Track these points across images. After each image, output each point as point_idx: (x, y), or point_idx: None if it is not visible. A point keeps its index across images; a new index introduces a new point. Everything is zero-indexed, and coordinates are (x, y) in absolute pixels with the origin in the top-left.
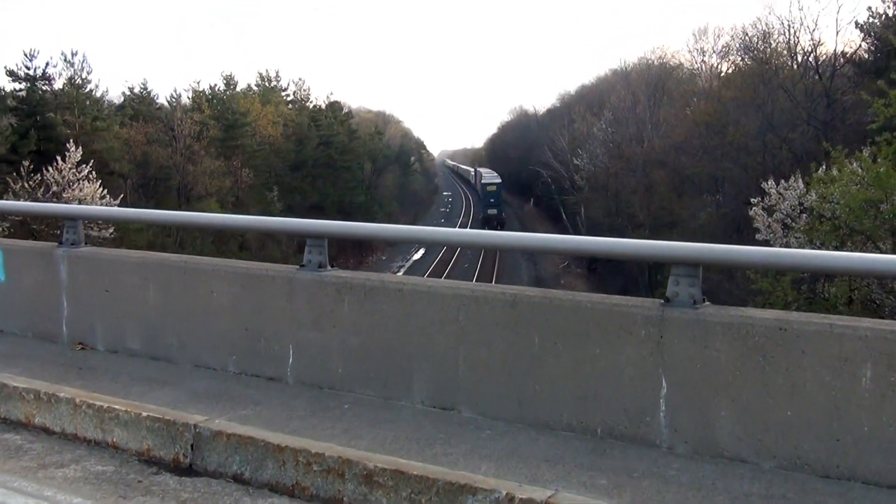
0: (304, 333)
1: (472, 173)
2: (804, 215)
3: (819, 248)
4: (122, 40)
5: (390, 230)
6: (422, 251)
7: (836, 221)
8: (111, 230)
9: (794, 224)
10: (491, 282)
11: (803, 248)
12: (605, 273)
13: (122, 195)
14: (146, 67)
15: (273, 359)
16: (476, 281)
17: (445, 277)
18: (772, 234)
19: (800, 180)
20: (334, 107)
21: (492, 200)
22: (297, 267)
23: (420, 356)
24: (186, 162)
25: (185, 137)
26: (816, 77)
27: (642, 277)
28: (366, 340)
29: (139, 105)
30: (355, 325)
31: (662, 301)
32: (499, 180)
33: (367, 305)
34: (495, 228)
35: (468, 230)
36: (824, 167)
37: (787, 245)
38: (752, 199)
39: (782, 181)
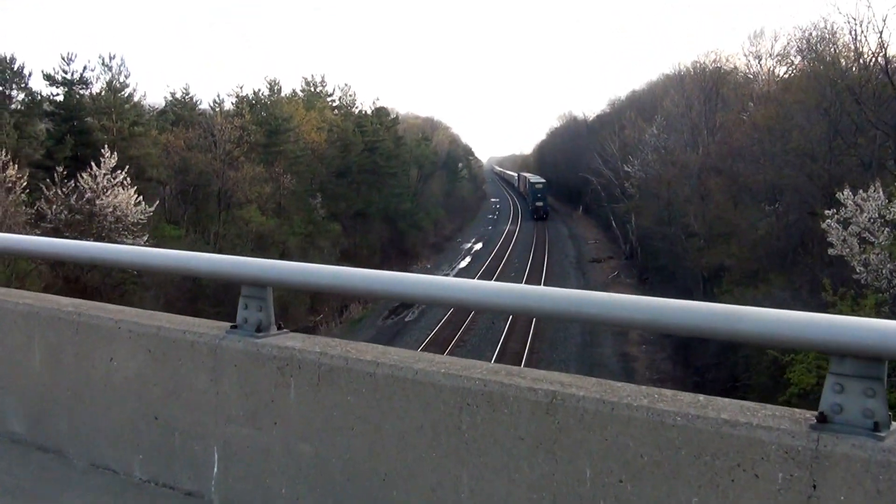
0: (235, 430)
1: (517, 178)
2: (886, 229)
3: None
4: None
5: (364, 278)
6: (468, 258)
7: None
8: (145, 237)
9: (873, 239)
10: None
11: (883, 265)
12: (655, 283)
13: (157, 202)
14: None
15: (192, 464)
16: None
17: None
18: (847, 249)
19: (880, 190)
20: (380, 112)
21: (539, 195)
22: (228, 328)
23: (399, 480)
24: (227, 168)
25: (225, 143)
26: (885, 79)
27: (697, 289)
28: (321, 448)
29: (181, 110)
30: (306, 423)
31: None
32: (544, 181)
33: (323, 395)
34: (542, 218)
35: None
36: None
37: (866, 262)
38: (822, 210)
39: (860, 191)
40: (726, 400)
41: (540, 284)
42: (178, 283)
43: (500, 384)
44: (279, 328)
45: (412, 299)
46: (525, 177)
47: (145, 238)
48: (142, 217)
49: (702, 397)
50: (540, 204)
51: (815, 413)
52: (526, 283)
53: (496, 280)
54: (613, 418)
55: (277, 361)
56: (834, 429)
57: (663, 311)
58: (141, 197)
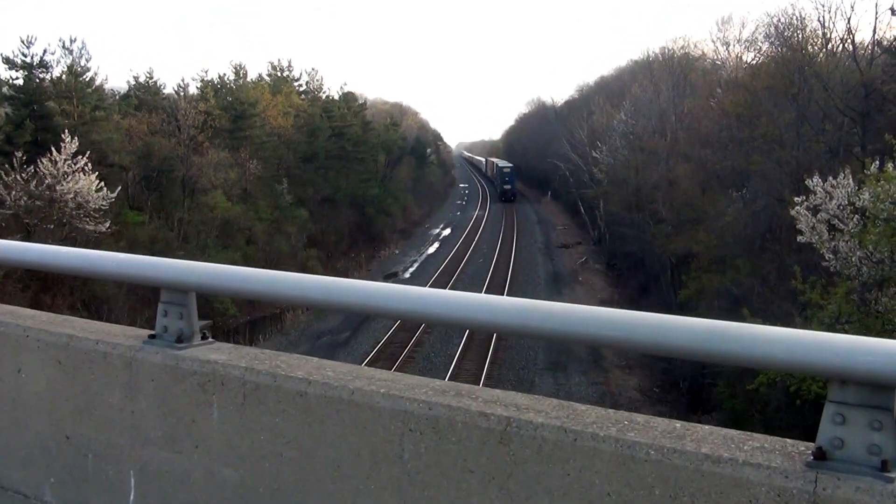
0: (153, 454)
1: (484, 163)
2: (856, 216)
3: (872, 253)
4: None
5: (301, 285)
6: (436, 244)
7: (894, 224)
8: (107, 224)
9: (842, 226)
10: (505, 281)
11: (853, 253)
12: (623, 269)
13: (119, 187)
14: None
15: (107, 489)
16: (490, 279)
17: (457, 276)
18: (816, 237)
19: (850, 177)
20: (348, 98)
21: (506, 179)
22: (147, 336)
23: None
24: (191, 153)
25: (189, 128)
26: (853, 66)
27: (664, 275)
28: (246, 476)
29: (144, 94)
30: (230, 447)
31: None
32: (511, 165)
33: (249, 416)
34: (510, 200)
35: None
36: (877, 163)
37: (835, 249)
38: (791, 197)
39: (829, 178)
40: (707, 428)
41: (508, 270)
42: None
43: (447, 407)
44: (204, 338)
45: (355, 310)
46: (493, 161)
47: (107, 224)
48: (103, 203)
49: (679, 425)
50: (508, 187)
51: (812, 447)
52: (494, 269)
53: (463, 268)
54: (576, 450)
55: (199, 377)
56: (835, 467)
57: (628, 327)
58: (103, 183)
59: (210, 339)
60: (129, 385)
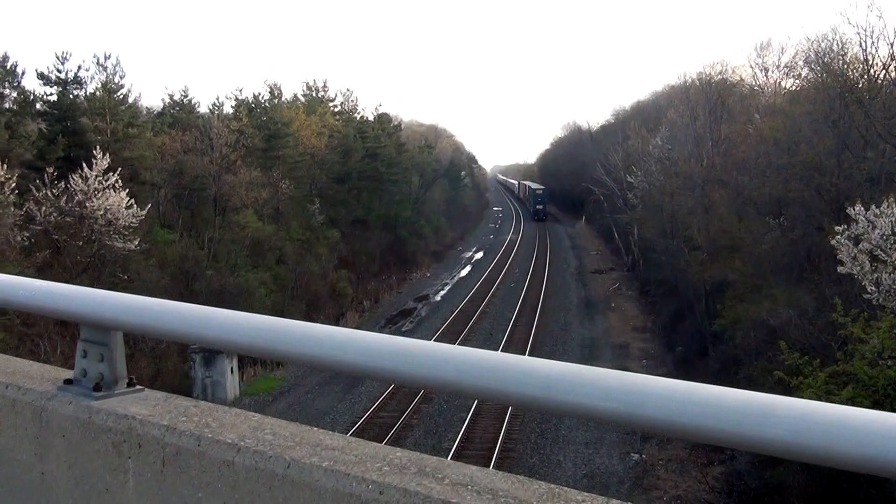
0: None
1: (517, 185)
2: None
3: None
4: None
5: (244, 326)
6: (468, 267)
7: None
8: (137, 241)
9: (885, 257)
10: (537, 307)
11: None
12: (657, 296)
13: (150, 205)
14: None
15: None
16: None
17: (488, 300)
18: (858, 268)
19: (894, 206)
20: (382, 118)
21: (539, 199)
22: (63, 383)
23: None
24: (223, 172)
25: (222, 146)
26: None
27: (699, 303)
28: None
29: (178, 112)
30: None
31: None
32: (544, 187)
33: (169, 486)
34: (542, 220)
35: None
36: None
37: (878, 281)
38: (830, 225)
39: (872, 206)
40: None
41: (540, 295)
42: None
43: (401, 492)
44: (130, 384)
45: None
46: (525, 184)
47: (136, 242)
48: (133, 220)
49: None
50: (540, 207)
51: None
52: (525, 293)
53: (494, 291)
54: None
55: (114, 435)
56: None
57: (632, 395)
58: (133, 200)
59: (138, 387)
60: (38, 440)
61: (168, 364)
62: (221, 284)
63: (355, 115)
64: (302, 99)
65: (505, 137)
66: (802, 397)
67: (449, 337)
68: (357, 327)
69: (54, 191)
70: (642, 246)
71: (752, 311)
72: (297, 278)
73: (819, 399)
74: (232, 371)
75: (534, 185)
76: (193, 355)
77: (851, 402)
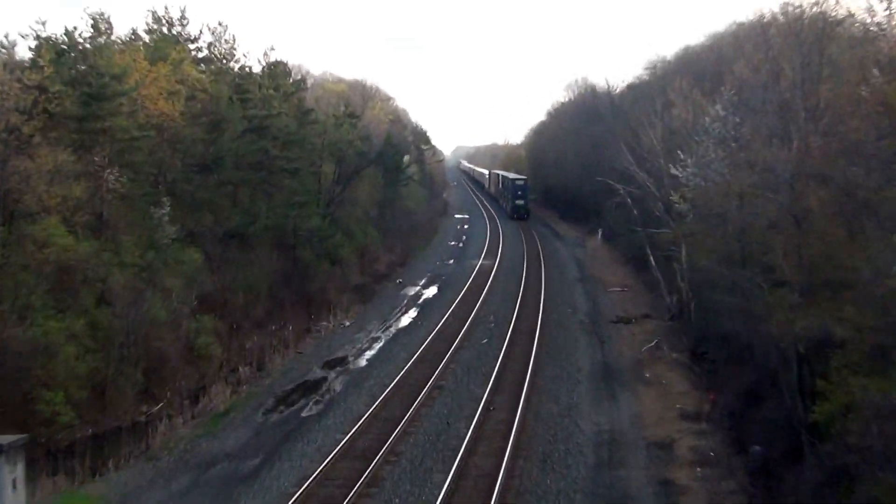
0: None
1: (487, 177)
2: None
3: None
4: None
5: None
6: (412, 312)
7: None
8: None
9: None
10: (522, 384)
11: None
12: (718, 362)
13: None
14: None
15: None
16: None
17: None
18: None
19: None
20: (276, 70)
21: (519, 193)
22: None
23: None
24: (12, 153)
25: (9, 111)
26: None
27: (787, 375)
28: None
29: None
30: None
31: None
32: (525, 177)
33: None
34: (523, 217)
35: None
36: None
37: None
38: None
39: None
40: None
41: (528, 361)
42: None
43: None
44: None
45: None
46: (498, 174)
47: None
48: None
49: None
50: (521, 203)
51: None
52: (504, 358)
53: (454, 354)
54: None
55: None
56: None
57: None
58: None
59: None
60: None
61: None
62: (1, 340)
63: (231, 64)
64: (145, 37)
65: (473, 105)
66: None
67: (377, 434)
68: (227, 411)
69: None
70: (694, 280)
71: (875, 388)
72: (131, 329)
73: None
74: (15, 485)
75: (512, 175)
76: None
77: None
